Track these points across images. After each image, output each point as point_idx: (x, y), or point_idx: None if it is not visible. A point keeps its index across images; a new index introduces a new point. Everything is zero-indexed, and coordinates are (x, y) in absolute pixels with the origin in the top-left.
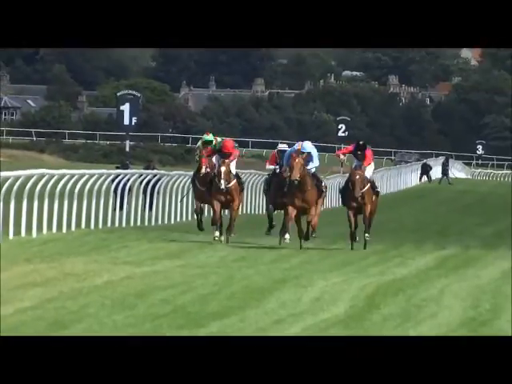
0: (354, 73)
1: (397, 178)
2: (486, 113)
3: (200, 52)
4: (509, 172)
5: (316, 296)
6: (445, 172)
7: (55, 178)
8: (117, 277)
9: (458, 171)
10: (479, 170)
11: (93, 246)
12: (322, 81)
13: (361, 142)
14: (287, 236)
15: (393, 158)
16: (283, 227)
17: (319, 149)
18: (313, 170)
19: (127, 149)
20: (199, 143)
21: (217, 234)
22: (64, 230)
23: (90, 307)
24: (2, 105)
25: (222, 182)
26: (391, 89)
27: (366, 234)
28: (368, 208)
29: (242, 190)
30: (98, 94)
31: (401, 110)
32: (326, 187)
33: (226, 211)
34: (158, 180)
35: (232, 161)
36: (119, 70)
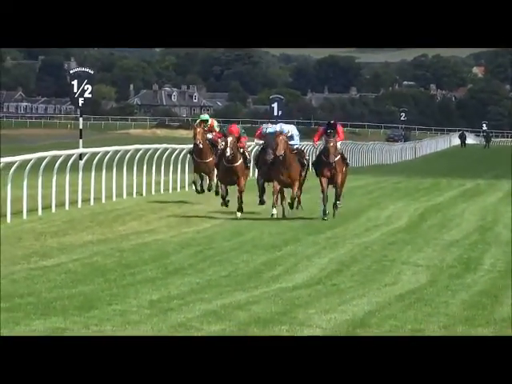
0: (410, 82)
1: (435, 144)
2: (488, 105)
3: (318, 69)
4: (503, 139)
5: (389, 214)
6: (487, 139)
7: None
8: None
9: (471, 140)
10: (484, 139)
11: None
12: (390, 87)
13: (331, 122)
14: (274, 211)
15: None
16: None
17: (387, 127)
18: (295, 146)
19: None
20: (197, 121)
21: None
22: None
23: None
24: (202, 104)
25: (228, 150)
26: (431, 92)
27: (338, 202)
28: (339, 177)
29: (247, 167)
30: (258, 97)
31: (437, 104)
32: (307, 161)
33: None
34: None
35: (241, 142)
36: (271, 82)
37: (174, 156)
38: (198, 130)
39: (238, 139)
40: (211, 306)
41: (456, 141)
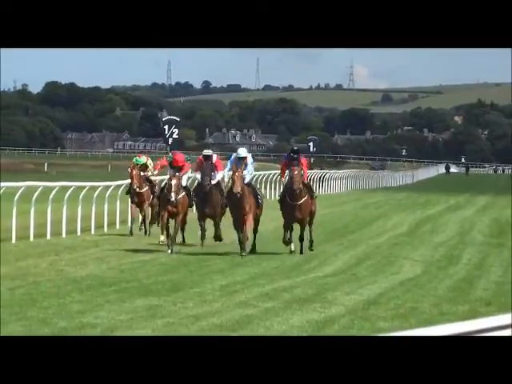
0: (409, 127)
1: (427, 172)
2: (465, 144)
3: (342, 117)
4: (477, 169)
5: (394, 223)
6: (466, 169)
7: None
8: None
9: (454, 169)
10: (463, 169)
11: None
12: (395, 131)
13: (295, 148)
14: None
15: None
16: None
17: (393, 160)
18: (248, 179)
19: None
20: (132, 163)
21: (162, 238)
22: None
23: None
24: (258, 143)
25: (173, 194)
26: (424, 134)
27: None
28: (305, 214)
29: (189, 202)
30: (298, 138)
31: (428, 143)
32: (262, 196)
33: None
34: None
35: (184, 174)
36: (308, 127)
37: None
38: (134, 172)
39: (182, 167)
40: (265, 289)
41: (442, 170)
